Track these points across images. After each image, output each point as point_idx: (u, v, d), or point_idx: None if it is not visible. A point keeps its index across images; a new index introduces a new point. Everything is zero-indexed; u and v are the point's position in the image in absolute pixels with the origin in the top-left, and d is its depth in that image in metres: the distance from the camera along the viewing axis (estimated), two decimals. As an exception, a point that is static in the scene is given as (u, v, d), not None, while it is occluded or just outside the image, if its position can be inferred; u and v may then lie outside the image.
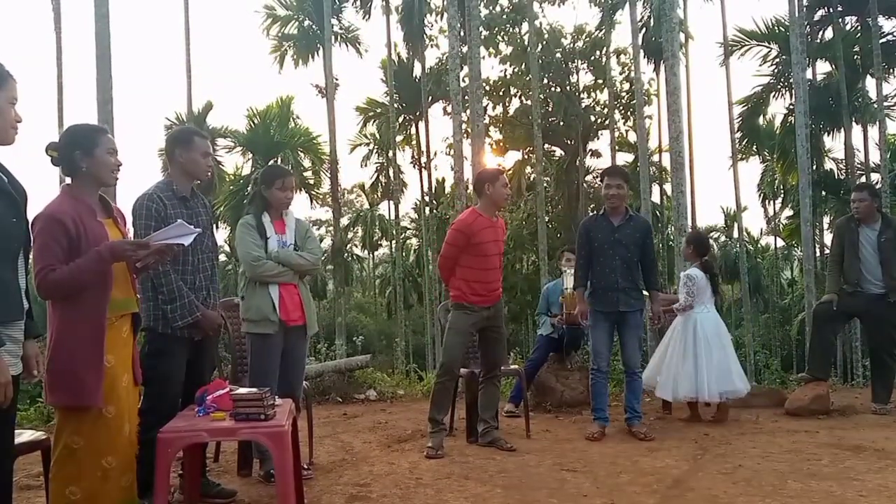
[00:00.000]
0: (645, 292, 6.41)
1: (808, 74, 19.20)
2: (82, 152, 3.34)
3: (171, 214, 4.11)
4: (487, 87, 25.14)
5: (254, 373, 4.75)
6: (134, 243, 3.37)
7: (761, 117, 23.85)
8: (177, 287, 4.11)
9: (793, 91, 17.01)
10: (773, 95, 22.64)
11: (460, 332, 5.85)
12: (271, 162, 26.70)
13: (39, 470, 4.11)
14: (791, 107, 20.19)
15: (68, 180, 3.44)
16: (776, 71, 22.12)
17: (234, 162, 30.40)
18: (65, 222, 3.15)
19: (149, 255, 3.42)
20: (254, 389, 3.65)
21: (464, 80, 13.66)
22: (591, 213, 6.63)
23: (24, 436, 3.62)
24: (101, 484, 3.22)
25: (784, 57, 20.53)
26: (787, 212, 26.80)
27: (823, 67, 22.13)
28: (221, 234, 28.97)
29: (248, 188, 25.98)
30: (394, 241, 30.38)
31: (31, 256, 3.05)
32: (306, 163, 29.60)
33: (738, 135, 23.22)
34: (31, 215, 2.89)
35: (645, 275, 6.34)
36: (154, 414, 3.80)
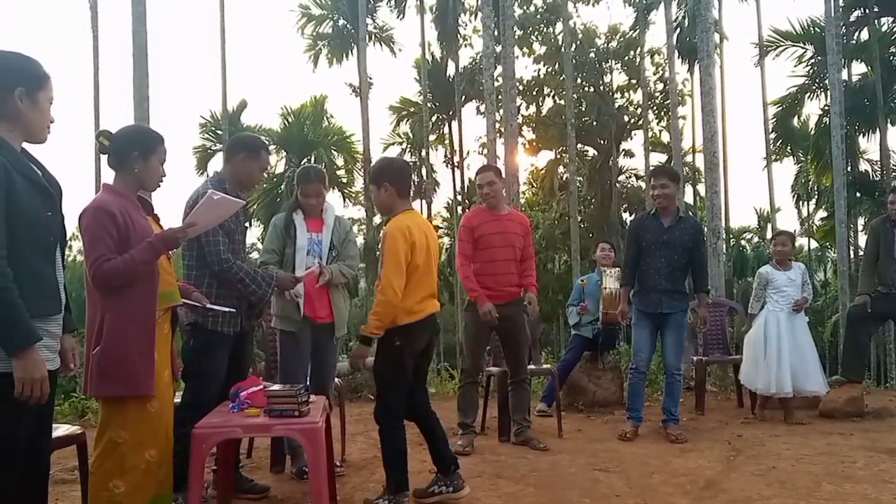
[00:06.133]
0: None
1: (844, 75, 18.97)
2: (139, 154, 3.39)
3: None
4: (521, 87, 25.14)
5: (282, 368, 4.83)
6: (182, 227, 3.44)
7: (796, 118, 23.61)
8: (250, 267, 4.31)
9: (828, 92, 16.83)
10: (808, 96, 22.41)
11: (473, 334, 5.90)
12: (304, 160, 26.90)
13: (74, 464, 4.17)
14: (826, 107, 19.96)
15: (108, 176, 3.50)
16: (811, 72, 21.88)
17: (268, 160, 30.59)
18: (114, 213, 3.20)
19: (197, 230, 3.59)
20: (287, 386, 3.69)
21: (497, 80, 13.64)
22: (634, 213, 6.60)
23: (59, 430, 3.67)
24: (143, 477, 3.28)
25: (819, 58, 20.31)
26: (821, 213, 26.49)
27: (859, 68, 21.86)
28: (255, 232, 29.20)
29: (282, 186, 26.17)
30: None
31: (66, 251, 3.08)
32: (340, 161, 29.78)
33: (772, 135, 23.00)
34: (66, 211, 2.92)
35: (694, 277, 6.32)
36: (194, 409, 3.84)
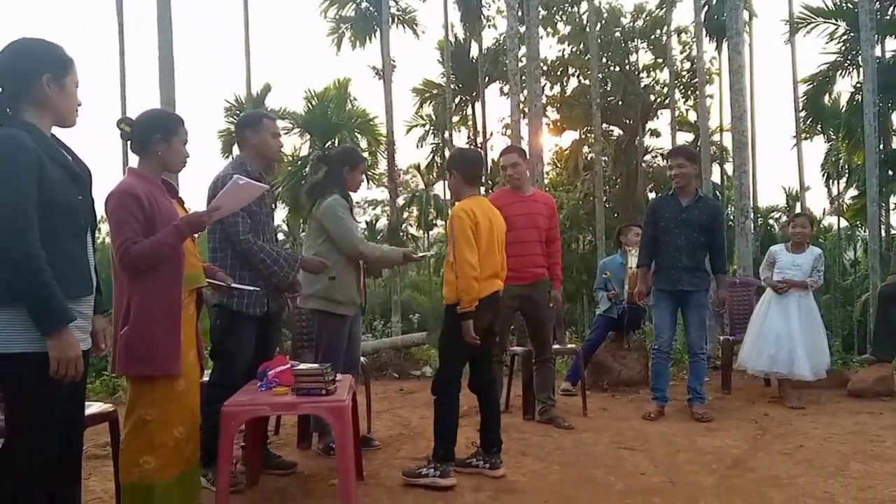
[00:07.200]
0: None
1: (878, 52, 18.63)
2: (161, 137, 3.42)
3: None
4: (545, 67, 24.99)
5: (328, 352, 4.74)
6: (207, 211, 3.45)
7: (827, 96, 23.23)
8: (272, 248, 4.29)
9: (860, 69, 16.54)
10: (840, 73, 21.99)
11: None
12: (328, 143, 26.99)
13: (107, 440, 4.23)
14: (858, 85, 19.60)
15: (134, 161, 3.54)
16: (843, 48, 21.48)
17: (292, 143, 30.70)
18: (140, 197, 3.24)
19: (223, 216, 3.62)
20: (315, 365, 3.71)
21: (521, 60, 13.56)
22: (659, 193, 6.58)
23: (91, 408, 3.72)
24: (172, 453, 3.34)
25: (852, 34, 19.91)
26: (852, 192, 26.11)
27: (893, 44, 21.50)
28: (279, 214, 29.35)
29: (306, 169, 26.26)
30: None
31: (96, 234, 3.12)
32: (363, 144, 29.72)
33: (802, 114, 22.69)
34: (95, 195, 2.96)
35: (712, 258, 6.26)
36: (220, 388, 3.92)
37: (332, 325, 4.83)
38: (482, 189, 5.32)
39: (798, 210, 20.27)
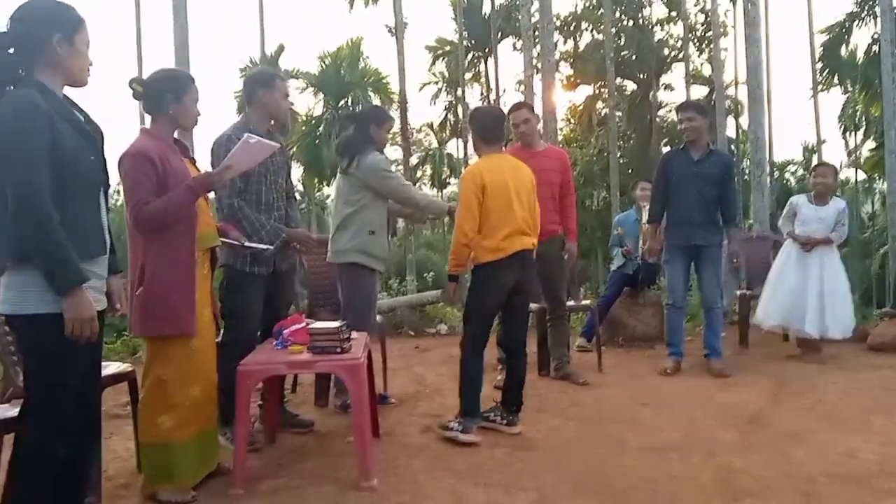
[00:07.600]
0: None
1: (895, 1, 18.30)
2: (172, 96, 3.43)
3: None
4: (558, 22, 24.69)
5: (362, 306, 4.82)
6: (219, 170, 3.44)
7: (844, 47, 22.89)
8: (255, 218, 4.18)
9: (878, 19, 16.26)
10: (858, 24, 21.68)
11: None
12: (342, 102, 26.91)
13: (126, 400, 4.25)
14: (876, 35, 19.31)
15: (147, 120, 3.53)
16: (861, -2, 21.15)
17: (306, 103, 30.61)
18: (152, 158, 3.25)
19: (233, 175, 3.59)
20: (332, 324, 3.70)
21: (534, 16, 13.38)
22: (670, 148, 6.48)
23: (110, 368, 3.75)
24: (189, 412, 3.38)
25: (870, -17, 19.60)
26: (870, 144, 25.84)
27: (912, -8, 21.05)
28: (295, 173, 29.32)
29: (320, 129, 26.13)
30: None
31: (110, 194, 3.11)
32: (376, 102, 29.63)
33: (819, 66, 22.36)
34: (111, 156, 2.96)
35: (723, 210, 6.19)
36: (232, 347, 3.91)
37: (365, 279, 4.88)
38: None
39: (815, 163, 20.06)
